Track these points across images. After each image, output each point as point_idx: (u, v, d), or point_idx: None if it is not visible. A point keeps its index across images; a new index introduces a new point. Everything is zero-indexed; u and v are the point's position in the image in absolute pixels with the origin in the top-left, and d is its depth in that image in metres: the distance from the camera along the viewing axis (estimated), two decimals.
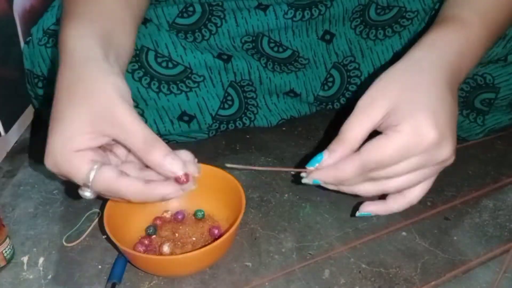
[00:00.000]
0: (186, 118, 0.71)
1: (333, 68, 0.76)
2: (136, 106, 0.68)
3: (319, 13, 0.70)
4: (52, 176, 0.71)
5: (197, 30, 0.69)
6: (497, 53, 0.65)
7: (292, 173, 0.49)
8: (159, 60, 0.67)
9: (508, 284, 0.53)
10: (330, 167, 0.45)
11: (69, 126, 0.42)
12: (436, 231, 0.61)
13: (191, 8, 0.68)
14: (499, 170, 0.71)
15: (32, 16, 0.82)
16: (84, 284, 0.54)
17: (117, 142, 0.44)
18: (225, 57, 0.71)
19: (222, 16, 0.69)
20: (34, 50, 0.66)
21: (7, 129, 0.76)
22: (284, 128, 0.81)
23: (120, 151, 0.47)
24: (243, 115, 0.76)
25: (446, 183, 0.69)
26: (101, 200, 0.66)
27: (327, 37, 0.73)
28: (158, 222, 0.61)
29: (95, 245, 0.60)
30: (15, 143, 0.80)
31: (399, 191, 0.47)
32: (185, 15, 0.68)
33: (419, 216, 0.60)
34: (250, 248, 0.59)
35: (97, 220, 0.63)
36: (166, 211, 0.61)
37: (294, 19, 0.70)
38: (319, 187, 0.49)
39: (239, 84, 0.74)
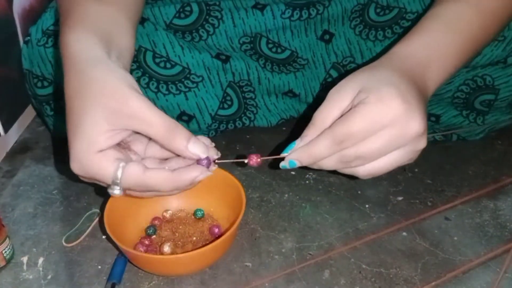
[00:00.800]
0: (185, 117, 0.71)
1: (332, 69, 0.76)
2: None
3: (317, 13, 0.70)
4: (52, 176, 0.72)
5: (194, 31, 0.69)
6: (496, 55, 0.65)
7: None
8: (157, 60, 0.67)
9: (508, 284, 0.53)
10: (304, 146, 0.46)
11: (88, 129, 0.42)
12: (436, 231, 0.61)
13: (188, 8, 0.68)
14: (499, 170, 0.71)
15: (32, 16, 0.82)
16: (84, 284, 0.54)
17: (137, 133, 0.44)
18: (223, 57, 0.71)
19: (219, 17, 0.69)
20: (33, 50, 0.66)
21: (7, 129, 0.76)
22: (284, 128, 0.81)
23: (138, 147, 0.47)
24: (242, 115, 0.76)
25: (446, 183, 0.69)
26: (101, 200, 0.66)
27: (327, 37, 0.73)
28: (157, 222, 0.61)
29: (95, 245, 0.59)
30: (15, 143, 0.80)
31: (373, 174, 0.47)
32: (182, 15, 0.68)
33: (419, 216, 0.60)
34: (250, 248, 0.59)
35: (97, 220, 0.63)
36: (166, 211, 0.61)
37: (292, 18, 0.70)
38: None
39: (237, 84, 0.74)
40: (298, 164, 0.46)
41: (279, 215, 0.64)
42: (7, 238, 0.56)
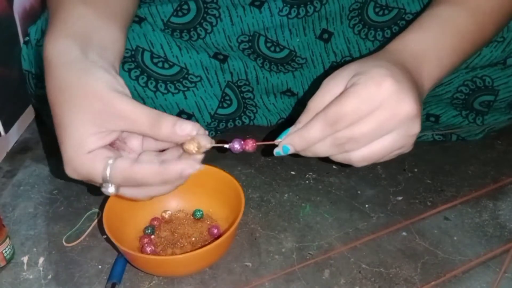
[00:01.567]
0: (184, 116, 0.71)
1: (331, 68, 0.75)
2: None
3: (314, 10, 0.70)
4: (52, 176, 0.72)
5: (192, 29, 0.69)
6: (496, 56, 0.65)
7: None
8: (155, 60, 0.67)
9: (507, 284, 0.53)
10: (297, 130, 0.46)
11: (75, 132, 0.42)
12: (436, 231, 0.61)
13: (185, 6, 0.68)
14: (499, 170, 0.71)
15: (32, 16, 0.82)
16: (84, 284, 0.54)
17: (126, 132, 0.44)
18: (221, 57, 0.71)
19: (217, 15, 0.69)
20: (33, 51, 0.66)
21: (7, 129, 0.76)
22: None
23: (134, 142, 0.47)
24: (242, 114, 0.76)
25: (445, 183, 0.69)
26: (101, 200, 0.66)
27: (325, 36, 0.73)
28: (156, 222, 0.61)
29: (95, 245, 0.60)
30: (15, 143, 0.80)
31: (367, 160, 0.46)
32: (180, 13, 0.68)
33: (419, 216, 0.60)
34: (250, 248, 0.59)
35: (97, 220, 0.63)
36: (165, 211, 0.61)
37: (290, 16, 0.70)
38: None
39: (236, 84, 0.74)
40: (291, 150, 0.46)
41: (279, 215, 0.64)
42: (8, 238, 0.56)
